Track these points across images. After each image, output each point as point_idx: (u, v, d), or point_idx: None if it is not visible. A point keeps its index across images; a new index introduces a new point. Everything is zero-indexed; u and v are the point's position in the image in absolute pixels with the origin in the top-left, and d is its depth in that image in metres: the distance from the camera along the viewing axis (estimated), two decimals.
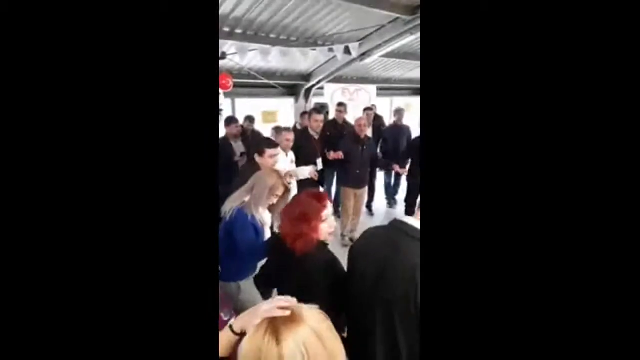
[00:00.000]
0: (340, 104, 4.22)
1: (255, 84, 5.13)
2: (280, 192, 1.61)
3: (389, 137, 4.47)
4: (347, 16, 3.83)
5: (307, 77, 5.66)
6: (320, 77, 5.45)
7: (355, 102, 5.73)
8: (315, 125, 3.46)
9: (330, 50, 3.97)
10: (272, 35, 3.98)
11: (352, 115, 4.97)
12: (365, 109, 4.55)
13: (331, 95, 5.68)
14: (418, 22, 3.72)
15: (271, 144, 2.28)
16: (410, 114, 7.40)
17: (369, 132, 3.80)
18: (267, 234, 1.66)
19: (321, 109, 5.65)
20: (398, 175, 4.64)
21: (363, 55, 4.58)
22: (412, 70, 6.54)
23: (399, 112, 4.64)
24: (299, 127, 4.13)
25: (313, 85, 5.73)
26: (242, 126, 3.95)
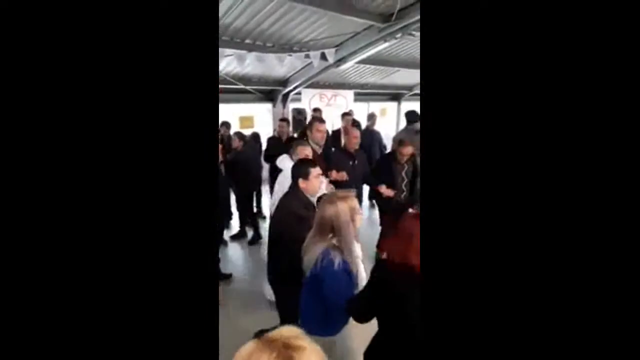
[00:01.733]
0: (316, 109, 4.22)
1: (232, 89, 5.08)
2: (359, 209, 1.37)
3: (364, 143, 4.53)
4: (322, 23, 3.87)
5: (284, 82, 5.66)
6: (297, 83, 5.46)
7: (332, 107, 5.79)
8: (319, 136, 2.75)
9: (307, 56, 4.00)
10: (247, 41, 3.95)
11: (330, 120, 4.97)
12: (344, 114, 4.59)
13: (309, 100, 5.70)
14: (392, 29, 3.81)
15: (311, 162, 1.93)
16: (386, 118, 7.55)
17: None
18: (361, 269, 1.43)
19: (299, 114, 5.64)
20: None
21: (339, 62, 4.63)
22: (388, 76, 6.67)
23: (372, 118, 4.70)
24: (276, 134, 4.10)
25: (290, 91, 5.74)
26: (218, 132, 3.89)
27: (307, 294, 1.36)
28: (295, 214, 1.55)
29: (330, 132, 3.48)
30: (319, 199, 1.72)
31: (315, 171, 1.83)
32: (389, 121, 7.92)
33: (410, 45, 5.12)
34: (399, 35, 3.96)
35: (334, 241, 1.31)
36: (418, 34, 4.27)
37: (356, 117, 5.11)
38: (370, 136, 4.61)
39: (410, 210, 1.15)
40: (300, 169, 1.84)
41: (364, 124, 5.12)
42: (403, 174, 3.05)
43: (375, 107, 7.32)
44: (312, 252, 1.30)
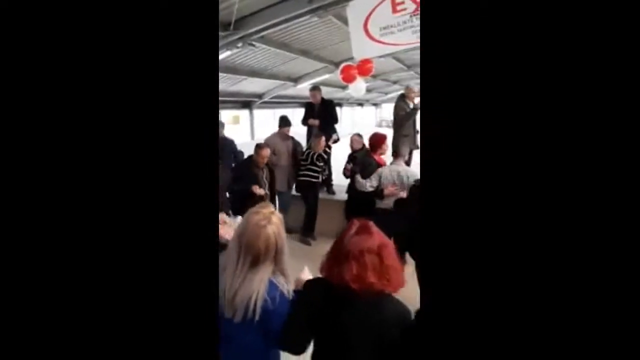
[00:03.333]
0: None
1: None
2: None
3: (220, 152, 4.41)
4: None
5: None
6: None
7: None
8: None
9: None
10: None
11: None
12: None
13: None
14: (232, 38, 3.85)
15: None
16: (239, 126, 7.58)
17: None
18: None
19: None
20: None
21: None
22: (236, 84, 6.70)
23: (221, 126, 4.64)
24: None
25: None
26: None
27: (255, 334, 1.11)
28: None
29: None
30: None
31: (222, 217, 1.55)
32: (243, 128, 7.98)
33: (255, 54, 5.30)
34: (239, 44, 4.03)
35: (271, 266, 1.11)
36: (259, 44, 4.46)
37: None
38: (222, 145, 4.51)
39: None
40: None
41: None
42: (264, 178, 3.14)
43: (227, 114, 7.23)
44: (252, 285, 1.06)
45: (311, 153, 3.55)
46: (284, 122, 3.75)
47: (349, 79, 3.88)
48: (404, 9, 2.73)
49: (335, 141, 3.72)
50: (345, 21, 3.58)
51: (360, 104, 16.63)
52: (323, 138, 3.57)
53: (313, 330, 1.02)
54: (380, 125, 17.77)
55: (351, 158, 3.59)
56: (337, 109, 4.25)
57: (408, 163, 3.58)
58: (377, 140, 3.05)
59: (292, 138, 3.82)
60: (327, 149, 3.60)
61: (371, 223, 1.01)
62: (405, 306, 0.99)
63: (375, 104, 18.83)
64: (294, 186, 3.78)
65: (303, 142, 3.98)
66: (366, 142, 3.38)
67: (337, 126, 4.17)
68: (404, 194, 2.65)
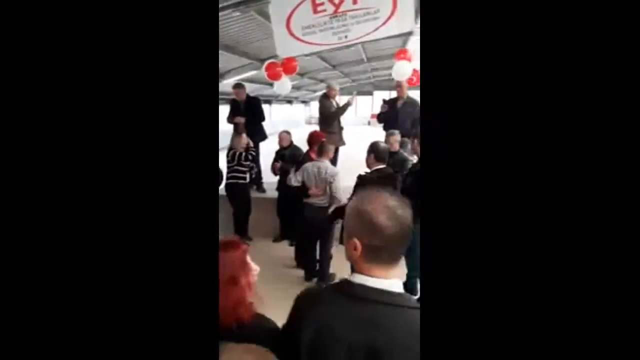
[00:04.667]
0: None
1: None
2: None
3: None
4: None
5: None
6: None
7: None
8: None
9: None
10: None
11: None
12: None
13: None
14: None
15: None
16: None
17: None
18: None
19: None
20: None
21: None
22: None
23: None
24: None
25: None
26: None
27: None
28: None
29: None
30: None
31: None
32: None
33: None
34: None
35: None
36: None
37: None
38: None
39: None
40: None
41: None
42: None
43: None
44: None
45: (236, 153, 3.47)
46: None
47: (274, 76, 3.88)
48: (324, 10, 2.83)
49: (262, 139, 3.68)
50: (268, 18, 3.56)
51: (290, 102, 16.69)
52: (244, 136, 3.52)
53: None
54: (309, 123, 18.07)
55: (279, 155, 3.60)
56: (266, 106, 4.22)
57: (334, 160, 3.73)
58: (315, 137, 3.15)
59: None
60: (252, 147, 3.56)
61: (237, 242, 0.90)
62: (270, 321, 0.90)
63: (304, 102, 19.06)
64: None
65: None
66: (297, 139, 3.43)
67: (265, 123, 4.14)
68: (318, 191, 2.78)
